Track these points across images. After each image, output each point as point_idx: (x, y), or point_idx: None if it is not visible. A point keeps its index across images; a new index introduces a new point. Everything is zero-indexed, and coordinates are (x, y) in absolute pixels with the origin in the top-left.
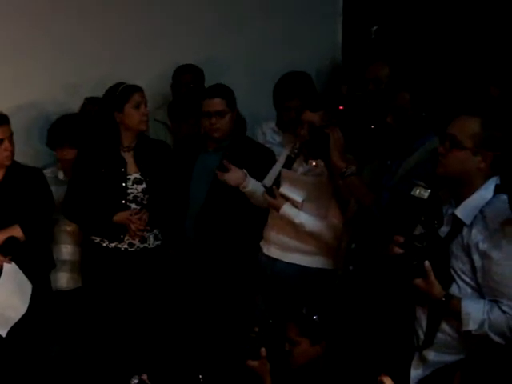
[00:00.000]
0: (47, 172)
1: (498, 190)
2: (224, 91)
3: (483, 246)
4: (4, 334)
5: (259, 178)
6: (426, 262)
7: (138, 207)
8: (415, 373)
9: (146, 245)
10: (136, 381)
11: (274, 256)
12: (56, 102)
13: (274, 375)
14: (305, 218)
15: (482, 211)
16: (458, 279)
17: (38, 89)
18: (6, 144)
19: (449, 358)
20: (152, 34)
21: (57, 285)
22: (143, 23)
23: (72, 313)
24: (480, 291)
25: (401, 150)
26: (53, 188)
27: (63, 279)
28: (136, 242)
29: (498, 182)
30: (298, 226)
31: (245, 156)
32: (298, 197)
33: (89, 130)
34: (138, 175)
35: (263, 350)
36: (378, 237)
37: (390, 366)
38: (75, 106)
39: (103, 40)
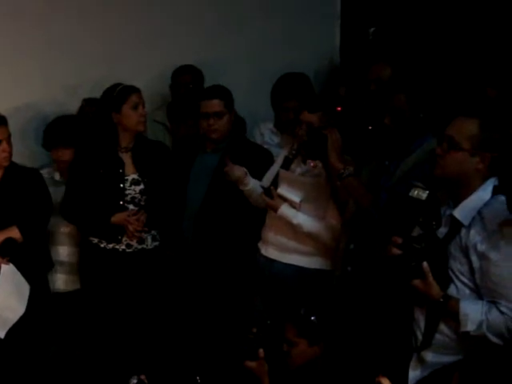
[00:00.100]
0: (43, 173)
1: (495, 191)
2: (222, 92)
3: (481, 247)
4: (2, 336)
5: (257, 178)
6: (424, 263)
7: (136, 208)
8: (413, 374)
9: (144, 246)
10: (135, 381)
11: (272, 257)
12: (54, 102)
13: (272, 376)
14: (303, 219)
15: (480, 212)
16: (456, 280)
17: (36, 89)
18: (4, 145)
19: (447, 358)
20: (151, 34)
21: (54, 286)
22: (142, 23)
23: (70, 314)
24: (478, 292)
25: (399, 151)
26: (49, 189)
27: (60, 281)
28: (134, 243)
29: (496, 183)
30: (295, 227)
31: (243, 157)
32: (295, 197)
33: (86, 130)
34: (135, 176)
35: (261, 350)
36: (376, 238)
37: (388, 367)
38: (73, 106)
39: (102, 40)
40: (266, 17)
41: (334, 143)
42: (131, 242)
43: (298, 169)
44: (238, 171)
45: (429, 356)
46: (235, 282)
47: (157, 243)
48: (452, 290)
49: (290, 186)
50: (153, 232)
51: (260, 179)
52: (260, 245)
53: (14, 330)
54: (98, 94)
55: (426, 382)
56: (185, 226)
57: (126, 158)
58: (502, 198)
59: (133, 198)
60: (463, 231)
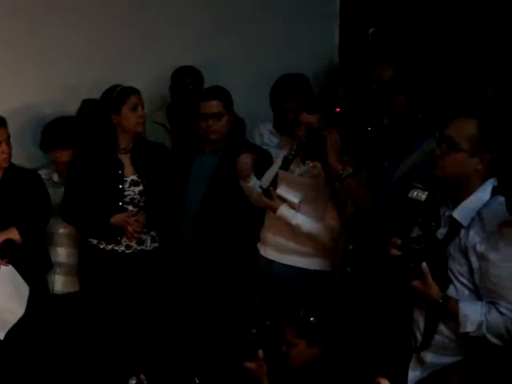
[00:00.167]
0: (42, 174)
1: (495, 192)
2: (221, 93)
3: (480, 248)
4: (2, 337)
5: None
6: (424, 264)
7: (135, 209)
8: (413, 374)
9: (143, 247)
10: (133, 382)
11: (271, 258)
12: (52, 104)
13: (272, 377)
14: (302, 220)
15: (479, 213)
16: (455, 281)
17: (34, 91)
18: (4, 146)
19: (446, 359)
20: (150, 35)
21: (52, 288)
22: (141, 25)
23: (69, 316)
24: (477, 293)
25: (398, 152)
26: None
27: (58, 282)
28: (133, 244)
29: (496, 183)
30: (294, 228)
31: None
32: (294, 198)
33: (85, 131)
34: (134, 177)
35: (260, 351)
36: (375, 239)
37: (388, 368)
38: (72, 108)
39: (101, 42)
40: (265, 18)
41: (333, 144)
42: (130, 243)
43: (297, 169)
44: (247, 161)
45: (428, 357)
46: (234, 283)
47: (156, 244)
48: (451, 291)
49: (289, 186)
50: (152, 233)
51: (259, 180)
52: (259, 246)
53: (14, 332)
54: (96, 95)
55: (425, 383)
56: (184, 227)
57: (125, 159)
58: (502, 198)
59: (132, 199)
60: (462, 232)
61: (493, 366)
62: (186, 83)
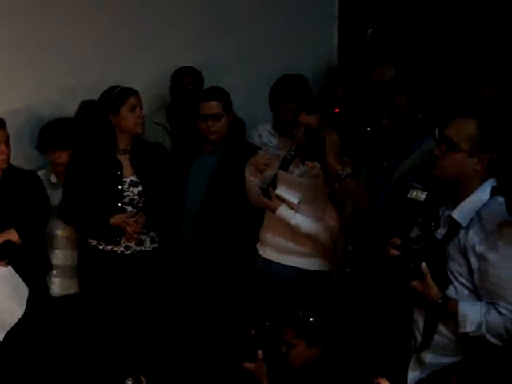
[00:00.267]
0: (39, 175)
1: (494, 192)
2: (220, 94)
3: (480, 248)
4: (1, 338)
5: None
6: (423, 264)
7: (135, 210)
8: (412, 375)
9: (143, 248)
10: (130, 383)
11: (270, 258)
12: (49, 105)
13: (271, 377)
14: (301, 220)
15: (478, 213)
16: (454, 281)
17: (30, 92)
18: (3, 147)
19: (446, 359)
20: (148, 35)
21: (49, 290)
22: (140, 25)
23: (67, 317)
24: (477, 293)
25: (397, 153)
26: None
27: (55, 284)
28: (132, 244)
29: (495, 183)
30: (294, 228)
31: (241, 158)
32: (294, 198)
33: (84, 132)
34: (133, 178)
35: (260, 352)
36: (374, 239)
37: (387, 368)
38: (69, 109)
39: (98, 42)
40: (264, 18)
41: (332, 145)
42: (130, 244)
43: (296, 170)
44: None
45: (428, 357)
46: (234, 284)
47: (155, 245)
48: (451, 291)
49: (288, 187)
50: (151, 234)
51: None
52: (258, 246)
53: (13, 333)
54: (95, 96)
55: (425, 383)
56: (183, 228)
57: (124, 160)
58: (501, 199)
59: (131, 199)
60: (462, 232)
61: (492, 367)
62: (186, 84)
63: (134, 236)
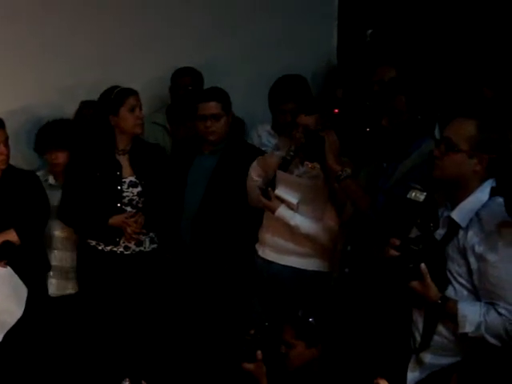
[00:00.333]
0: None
1: (493, 193)
2: (219, 95)
3: (479, 249)
4: (0, 339)
5: None
6: (422, 265)
7: (134, 210)
8: (412, 375)
9: (142, 248)
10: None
11: (270, 258)
12: (49, 105)
13: (270, 378)
14: (300, 220)
15: (477, 214)
16: (454, 282)
17: (30, 93)
18: (2, 148)
19: (445, 360)
20: (149, 36)
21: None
22: (140, 26)
23: (62, 319)
24: (476, 293)
25: (397, 153)
26: None
27: (52, 285)
28: (132, 245)
29: (494, 184)
30: (293, 228)
31: (240, 159)
32: (293, 199)
33: (84, 133)
34: (133, 178)
35: (259, 352)
36: (373, 239)
37: (387, 369)
38: (69, 109)
39: (100, 42)
40: (264, 19)
41: (332, 145)
42: (129, 245)
43: (295, 170)
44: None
45: (427, 358)
46: (233, 284)
47: (155, 245)
48: (450, 292)
49: (287, 187)
50: (151, 234)
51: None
52: (257, 246)
53: (12, 333)
54: (94, 97)
55: None
56: (183, 228)
57: (124, 160)
58: (500, 199)
59: (130, 200)
60: (461, 233)
61: (491, 367)
62: (186, 84)
63: (134, 236)
